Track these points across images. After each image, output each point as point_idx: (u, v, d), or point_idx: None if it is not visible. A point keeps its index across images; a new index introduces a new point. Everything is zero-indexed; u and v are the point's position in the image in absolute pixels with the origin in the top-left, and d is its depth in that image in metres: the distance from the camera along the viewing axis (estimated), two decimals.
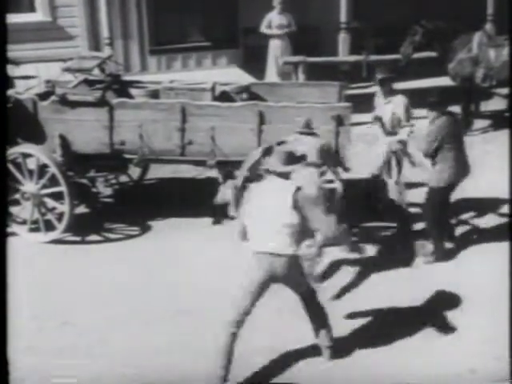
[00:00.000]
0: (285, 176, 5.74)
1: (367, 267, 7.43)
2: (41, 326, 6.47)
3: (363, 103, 8.97)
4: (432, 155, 7.47)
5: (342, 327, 6.31)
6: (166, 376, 5.78)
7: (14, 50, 11.67)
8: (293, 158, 5.78)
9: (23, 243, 7.94)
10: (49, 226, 8.10)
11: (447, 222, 7.96)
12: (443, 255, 7.67)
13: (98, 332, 6.40)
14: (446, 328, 6.42)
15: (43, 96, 8.49)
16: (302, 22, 12.28)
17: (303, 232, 5.76)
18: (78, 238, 8.18)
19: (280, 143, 6.18)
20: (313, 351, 6.08)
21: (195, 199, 8.55)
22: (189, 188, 9.24)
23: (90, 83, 8.81)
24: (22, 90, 8.84)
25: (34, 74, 9.65)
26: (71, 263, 7.66)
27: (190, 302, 6.74)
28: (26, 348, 5.91)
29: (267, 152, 6.33)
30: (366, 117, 9.32)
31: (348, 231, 6.67)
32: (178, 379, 5.76)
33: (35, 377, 5.64)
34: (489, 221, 8.43)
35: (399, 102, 8.09)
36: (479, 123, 11.49)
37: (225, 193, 8.11)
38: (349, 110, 7.97)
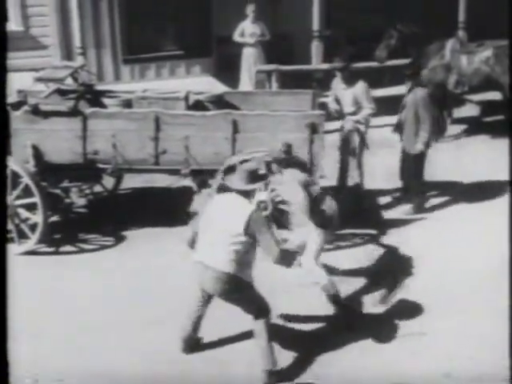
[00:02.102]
0: (245, 194, 5.72)
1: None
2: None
3: None
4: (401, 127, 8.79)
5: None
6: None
7: None
8: (255, 177, 5.77)
9: None
10: (22, 237, 8.05)
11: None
12: (421, 208, 8.88)
13: (73, 341, 6.37)
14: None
15: (15, 106, 8.43)
16: (275, 30, 12.34)
17: (249, 255, 5.72)
18: (51, 249, 8.11)
19: (243, 161, 6.14)
20: None
21: (170, 208, 8.52)
22: (163, 197, 9.21)
23: (62, 93, 8.75)
24: None
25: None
26: (44, 274, 7.58)
27: (165, 311, 6.71)
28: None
29: (229, 170, 6.26)
30: (339, 124, 9.39)
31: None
32: None
33: None
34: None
35: (359, 86, 8.70)
36: (452, 129, 11.57)
37: (199, 202, 8.09)
38: (322, 118, 8.00)
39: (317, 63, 12.58)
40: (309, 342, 6.37)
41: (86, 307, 6.89)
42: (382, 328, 6.55)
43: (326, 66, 12.20)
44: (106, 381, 5.86)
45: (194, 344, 6.21)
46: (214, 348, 6.30)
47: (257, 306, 5.87)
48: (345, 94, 8.78)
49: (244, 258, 5.69)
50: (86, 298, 7.04)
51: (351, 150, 8.89)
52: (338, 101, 8.89)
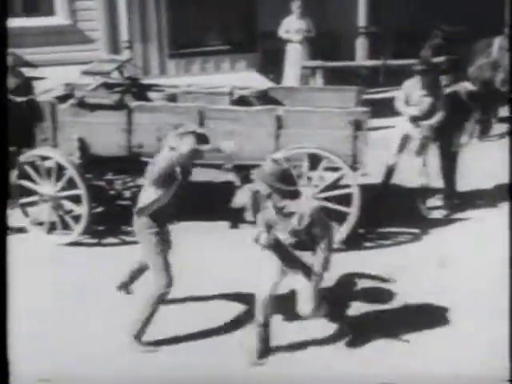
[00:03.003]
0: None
1: None
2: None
3: (381, 108, 8.96)
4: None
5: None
6: None
7: (33, 53, 11.84)
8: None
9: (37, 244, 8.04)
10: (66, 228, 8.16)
11: None
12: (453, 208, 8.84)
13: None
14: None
15: (62, 99, 8.53)
16: (321, 26, 12.28)
17: None
18: (95, 241, 8.20)
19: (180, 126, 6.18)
20: None
21: (212, 203, 8.55)
22: (205, 191, 9.24)
23: (108, 86, 8.84)
24: (41, 93, 8.89)
25: (51, 77, 9.70)
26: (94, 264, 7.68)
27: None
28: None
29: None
30: (383, 121, 9.33)
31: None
32: None
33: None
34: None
35: (440, 97, 8.49)
36: (497, 128, 11.43)
37: (242, 197, 8.12)
38: (366, 115, 7.97)
39: (361, 60, 12.50)
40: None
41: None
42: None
43: (370, 62, 12.21)
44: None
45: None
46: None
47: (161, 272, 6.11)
48: (423, 101, 8.49)
49: None
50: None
51: (419, 152, 8.71)
52: (407, 103, 8.60)
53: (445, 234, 8.33)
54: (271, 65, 12.44)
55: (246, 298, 6.62)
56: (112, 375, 5.87)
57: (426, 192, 8.83)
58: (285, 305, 6.40)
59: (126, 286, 6.82)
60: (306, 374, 5.95)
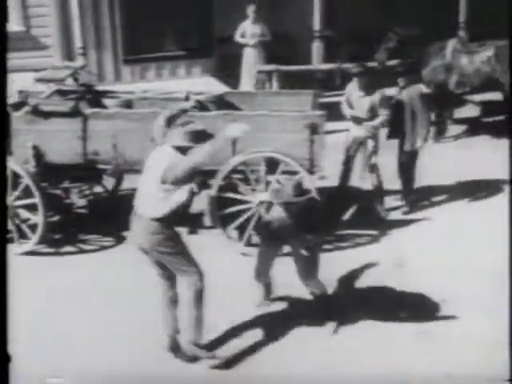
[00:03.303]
0: (182, 151, 5.72)
1: None
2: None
3: (337, 111, 9.01)
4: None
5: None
6: None
7: None
8: (198, 137, 5.74)
9: None
10: (23, 238, 8.06)
11: None
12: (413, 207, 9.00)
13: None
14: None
15: (16, 106, 8.42)
16: (277, 30, 12.32)
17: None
18: (52, 250, 8.12)
19: (185, 123, 6.01)
20: None
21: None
22: None
23: (63, 93, 8.77)
24: None
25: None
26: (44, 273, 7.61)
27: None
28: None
29: (170, 121, 6.19)
30: (340, 125, 9.38)
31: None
32: None
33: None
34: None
35: (377, 96, 8.60)
36: (453, 130, 11.57)
37: (200, 203, 8.10)
38: (323, 118, 7.99)
39: (317, 63, 12.56)
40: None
41: (88, 306, 6.92)
42: (380, 328, 6.56)
43: (326, 66, 12.28)
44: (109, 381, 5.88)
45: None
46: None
47: (189, 267, 5.89)
48: (362, 102, 8.64)
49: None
50: (87, 298, 7.07)
51: (367, 154, 8.82)
52: (350, 105, 8.77)
53: (402, 235, 8.40)
54: (228, 70, 12.44)
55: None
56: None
57: (382, 193, 8.90)
58: None
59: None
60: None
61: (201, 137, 5.84)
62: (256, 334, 6.53)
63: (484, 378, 5.70)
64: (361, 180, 8.99)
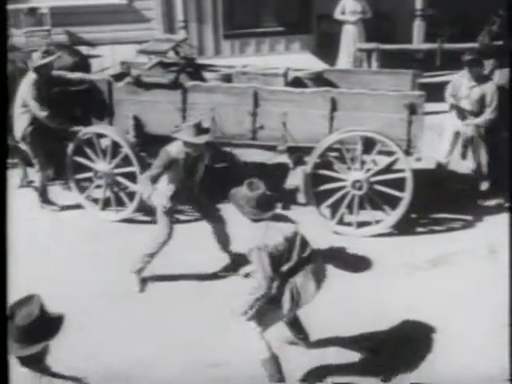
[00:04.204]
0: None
1: None
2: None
3: (437, 92, 8.87)
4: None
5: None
6: None
7: (90, 32, 11.98)
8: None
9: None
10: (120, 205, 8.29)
11: None
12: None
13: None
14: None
15: (118, 77, 8.62)
16: (377, 8, 12.17)
17: None
18: (148, 218, 8.30)
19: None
20: None
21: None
22: (259, 172, 9.25)
23: (164, 66, 8.90)
24: (97, 71, 9.00)
25: (107, 55, 9.81)
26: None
27: None
28: None
29: None
30: (439, 106, 9.22)
31: None
32: None
33: None
34: None
35: (489, 87, 8.23)
36: None
37: (294, 179, 8.14)
38: (422, 99, 7.87)
39: (418, 43, 12.34)
40: None
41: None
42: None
43: (427, 45, 12.05)
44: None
45: None
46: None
47: None
48: (472, 92, 8.30)
49: None
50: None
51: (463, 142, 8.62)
52: (455, 97, 8.46)
53: (496, 221, 8.23)
54: (326, 47, 12.38)
55: None
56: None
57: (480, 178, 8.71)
58: None
59: None
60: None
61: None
62: None
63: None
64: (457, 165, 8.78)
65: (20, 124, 8.25)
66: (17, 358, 3.56)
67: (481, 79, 8.32)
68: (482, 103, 8.29)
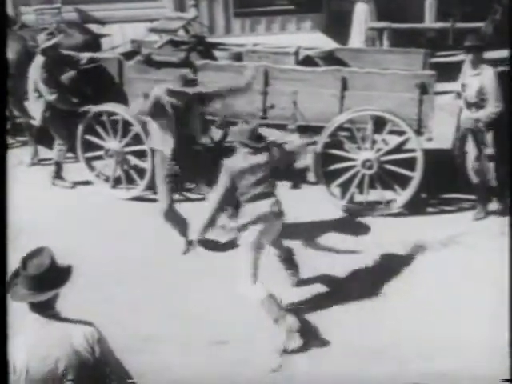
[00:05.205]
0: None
1: None
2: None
3: (448, 72, 8.81)
4: None
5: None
6: None
7: (101, 10, 11.95)
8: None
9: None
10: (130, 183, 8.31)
11: None
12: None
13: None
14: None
15: (129, 55, 8.61)
16: None
17: None
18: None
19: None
20: None
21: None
22: None
23: (174, 44, 8.90)
24: (108, 49, 9.00)
25: (118, 34, 9.79)
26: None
27: None
28: None
29: None
30: (450, 86, 9.17)
31: None
32: None
33: None
34: None
35: (487, 75, 7.57)
36: None
37: (305, 158, 8.13)
38: (433, 79, 7.85)
39: (430, 22, 12.27)
40: None
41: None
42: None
43: (438, 24, 11.98)
44: None
45: None
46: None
47: None
48: (472, 81, 7.64)
49: None
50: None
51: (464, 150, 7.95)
52: (464, 88, 7.79)
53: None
54: (337, 26, 12.30)
55: None
56: None
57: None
58: None
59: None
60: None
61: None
62: None
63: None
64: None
65: (37, 108, 8.31)
66: (28, 304, 3.80)
67: (480, 68, 7.63)
68: (481, 95, 7.61)
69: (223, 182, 6.01)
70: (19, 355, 3.72)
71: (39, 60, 8.17)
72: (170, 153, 6.99)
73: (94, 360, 3.80)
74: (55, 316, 3.81)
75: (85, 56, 8.44)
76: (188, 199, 8.28)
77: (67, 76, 8.29)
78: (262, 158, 6.07)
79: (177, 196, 8.20)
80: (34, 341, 3.73)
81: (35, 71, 8.16)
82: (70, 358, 3.75)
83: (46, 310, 3.79)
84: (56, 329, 3.77)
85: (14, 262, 4.05)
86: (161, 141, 6.99)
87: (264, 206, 6.02)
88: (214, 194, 6.16)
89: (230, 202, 6.16)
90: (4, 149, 5.48)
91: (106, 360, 3.85)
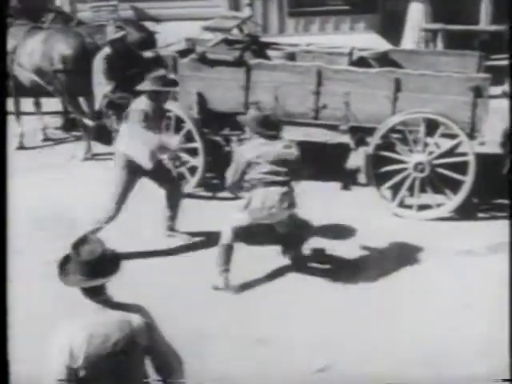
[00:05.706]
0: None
1: None
2: None
3: (502, 75, 8.72)
4: None
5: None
6: None
7: (156, 8, 12.08)
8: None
9: None
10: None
11: None
12: None
13: None
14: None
15: (183, 53, 8.70)
16: None
17: None
18: (209, 193, 8.38)
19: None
20: None
21: (325, 164, 8.57)
22: (319, 152, 9.26)
23: (229, 43, 8.96)
24: (163, 47, 9.10)
25: (173, 32, 9.88)
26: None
27: None
28: None
29: None
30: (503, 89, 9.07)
31: None
32: None
33: None
34: None
35: None
36: None
37: (356, 159, 8.13)
38: (488, 82, 7.78)
39: (485, 24, 12.13)
40: None
41: None
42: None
43: (494, 27, 11.83)
44: None
45: None
46: None
47: None
48: None
49: None
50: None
51: None
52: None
53: None
54: (391, 26, 12.24)
55: None
56: None
57: None
58: None
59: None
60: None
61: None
62: None
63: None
64: None
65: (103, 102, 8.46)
66: (81, 289, 3.86)
67: None
68: None
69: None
70: (77, 340, 3.74)
71: (104, 52, 8.34)
72: None
73: (149, 343, 3.87)
74: (107, 301, 3.87)
75: (148, 55, 8.59)
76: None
77: (132, 72, 8.40)
78: (275, 146, 6.15)
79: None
80: (93, 324, 3.79)
81: (99, 62, 8.33)
82: (128, 339, 3.81)
83: (99, 295, 3.85)
84: (113, 312, 3.84)
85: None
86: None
87: (272, 193, 6.17)
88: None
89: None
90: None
91: (158, 344, 3.91)
